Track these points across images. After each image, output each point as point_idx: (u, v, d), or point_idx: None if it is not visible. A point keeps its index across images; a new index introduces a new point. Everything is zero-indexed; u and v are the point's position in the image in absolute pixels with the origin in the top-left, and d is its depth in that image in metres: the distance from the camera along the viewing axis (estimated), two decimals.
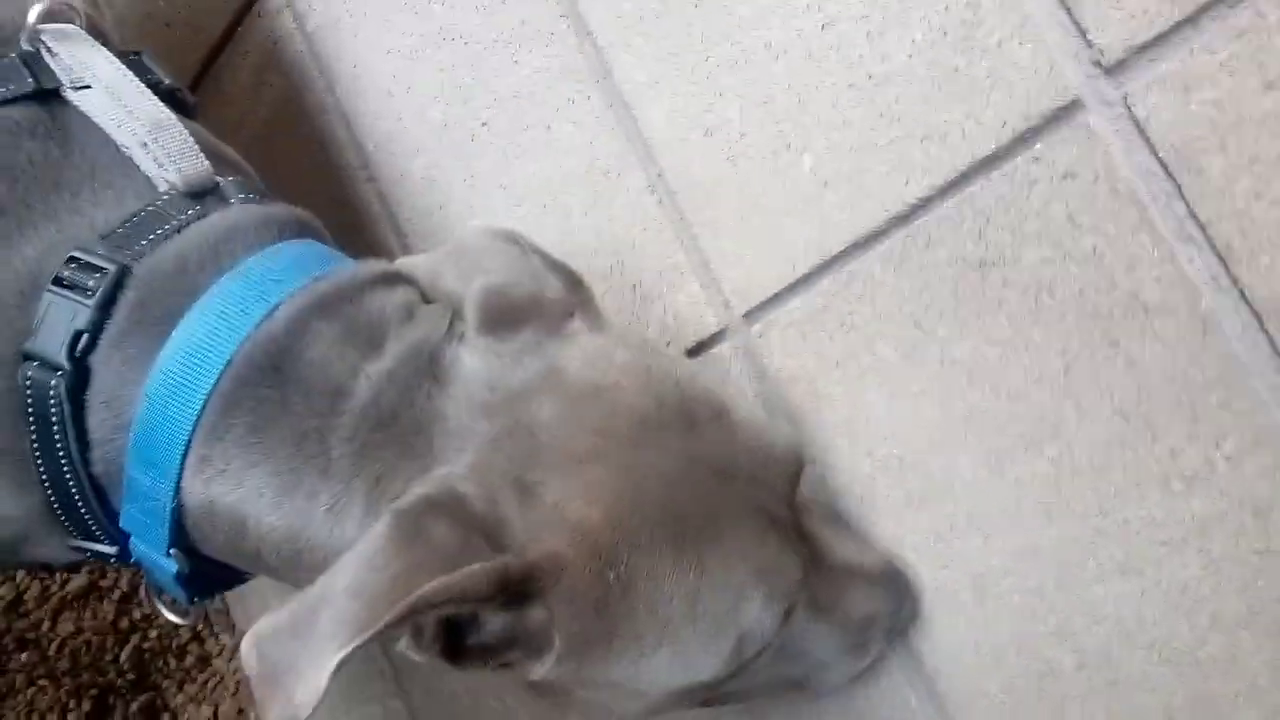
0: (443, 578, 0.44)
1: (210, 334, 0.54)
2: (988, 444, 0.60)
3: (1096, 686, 0.58)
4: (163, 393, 0.53)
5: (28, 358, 0.55)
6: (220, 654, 1.19)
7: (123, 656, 1.14)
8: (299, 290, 0.55)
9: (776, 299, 0.65)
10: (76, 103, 0.61)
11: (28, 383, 0.54)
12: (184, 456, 0.53)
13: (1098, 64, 0.53)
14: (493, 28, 0.78)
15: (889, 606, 0.60)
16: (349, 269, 0.59)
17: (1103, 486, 0.57)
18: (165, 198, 0.59)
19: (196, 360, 0.53)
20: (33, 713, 1.05)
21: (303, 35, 0.96)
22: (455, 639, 0.50)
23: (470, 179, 0.83)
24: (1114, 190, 0.53)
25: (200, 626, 1.20)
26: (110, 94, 0.61)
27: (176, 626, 1.18)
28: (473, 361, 0.53)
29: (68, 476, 0.56)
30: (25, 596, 1.11)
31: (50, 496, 0.57)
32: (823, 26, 0.61)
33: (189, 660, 1.17)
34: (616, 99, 0.71)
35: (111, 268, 0.55)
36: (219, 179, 0.61)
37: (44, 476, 0.57)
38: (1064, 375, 0.57)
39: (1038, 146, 0.55)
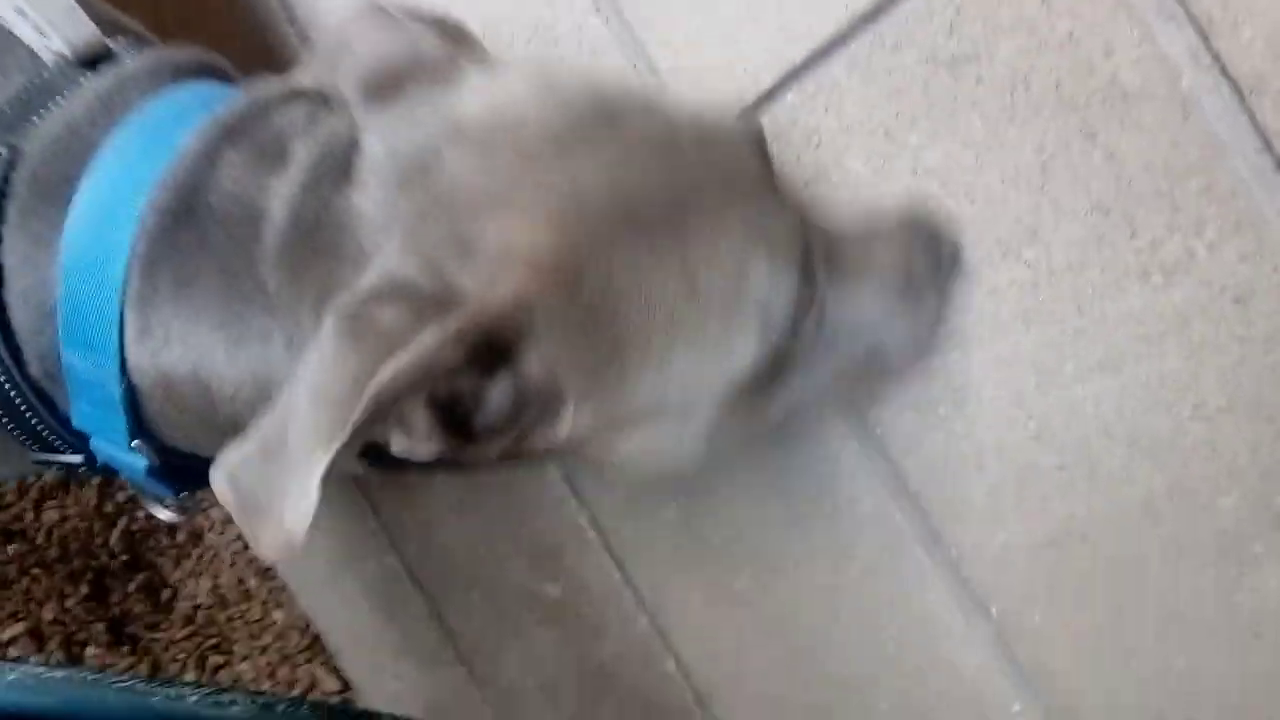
0: (397, 357, 0.40)
1: (114, 189, 0.49)
2: (965, 252, 0.58)
3: (1076, 482, 0.59)
4: (78, 265, 0.49)
5: None
6: (212, 528, 1.19)
7: (112, 540, 1.13)
8: (200, 126, 0.50)
9: (740, 118, 0.62)
10: None
11: None
12: (120, 331, 0.49)
13: None
14: None
15: (925, 248, 0.55)
16: (248, 94, 0.53)
17: (1081, 286, 0.56)
18: (51, 69, 0.53)
19: (105, 221, 0.49)
20: (30, 601, 1.05)
21: None
22: (462, 426, 0.46)
23: None
24: None
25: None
26: None
27: None
28: (371, 143, 0.48)
29: (6, 386, 0.53)
30: (1, 490, 1.10)
31: None
32: None
33: (180, 537, 1.18)
34: None
35: (3, 150, 0.51)
36: (111, 44, 0.55)
37: None
38: (1040, 174, 0.55)
39: None
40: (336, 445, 0.39)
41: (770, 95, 0.60)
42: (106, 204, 0.49)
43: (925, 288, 0.55)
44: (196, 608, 1.12)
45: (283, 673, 1.08)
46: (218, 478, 0.43)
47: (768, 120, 0.61)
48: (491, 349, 0.43)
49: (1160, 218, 0.53)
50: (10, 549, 1.09)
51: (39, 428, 0.55)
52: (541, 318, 0.44)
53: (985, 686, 0.66)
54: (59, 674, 0.45)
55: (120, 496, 1.16)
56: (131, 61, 0.54)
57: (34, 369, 0.52)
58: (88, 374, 0.51)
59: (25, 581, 1.09)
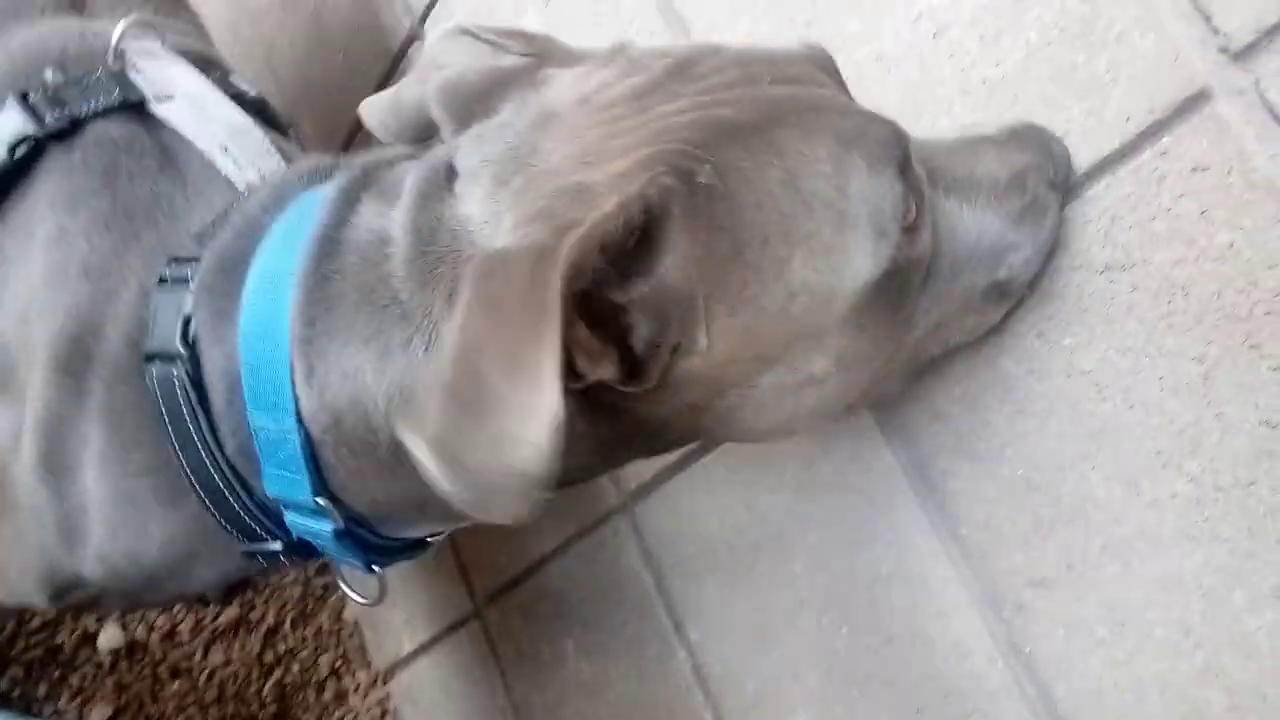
0: (578, 232, 0.40)
1: (277, 256, 0.53)
2: (1122, 462, 0.56)
3: None
4: (253, 328, 0.53)
5: (149, 359, 0.56)
6: (357, 690, 1.22)
7: (265, 689, 1.18)
8: (339, 183, 0.55)
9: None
10: (162, 115, 0.65)
11: (154, 382, 0.55)
12: (291, 379, 0.51)
13: (1225, 50, 0.50)
14: None
15: (1033, 157, 0.54)
16: (376, 154, 0.58)
17: (1250, 505, 0.52)
18: (245, 195, 0.60)
19: (272, 283, 0.53)
20: None
21: None
22: (623, 347, 0.46)
23: None
24: (1249, 181, 0.50)
25: (339, 663, 1.23)
26: (192, 104, 0.64)
27: (316, 660, 1.22)
28: (463, 157, 0.51)
29: (210, 468, 0.56)
30: (180, 628, 1.17)
31: (202, 497, 0.57)
32: (934, 35, 0.60)
33: (327, 695, 1.21)
34: None
35: (202, 255, 0.57)
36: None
37: (192, 477, 0.56)
38: (1203, 383, 0.53)
39: (1164, 140, 0.52)
40: (559, 324, 0.38)
41: None
42: (272, 269, 0.53)
43: (1041, 197, 0.53)
44: None
45: None
46: (418, 448, 0.40)
47: None
48: (639, 230, 0.44)
49: None
50: (175, 685, 1.14)
51: (240, 512, 0.58)
52: (665, 217, 0.44)
53: None
54: None
55: (281, 648, 1.21)
56: (294, 166, 0.62)
57: (230, 447, 0.55)
58: (273, 434, 0.53)
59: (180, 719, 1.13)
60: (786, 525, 0.73)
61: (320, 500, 0.54)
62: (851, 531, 0.69)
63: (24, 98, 0.63)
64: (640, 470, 0.84)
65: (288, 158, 0.65)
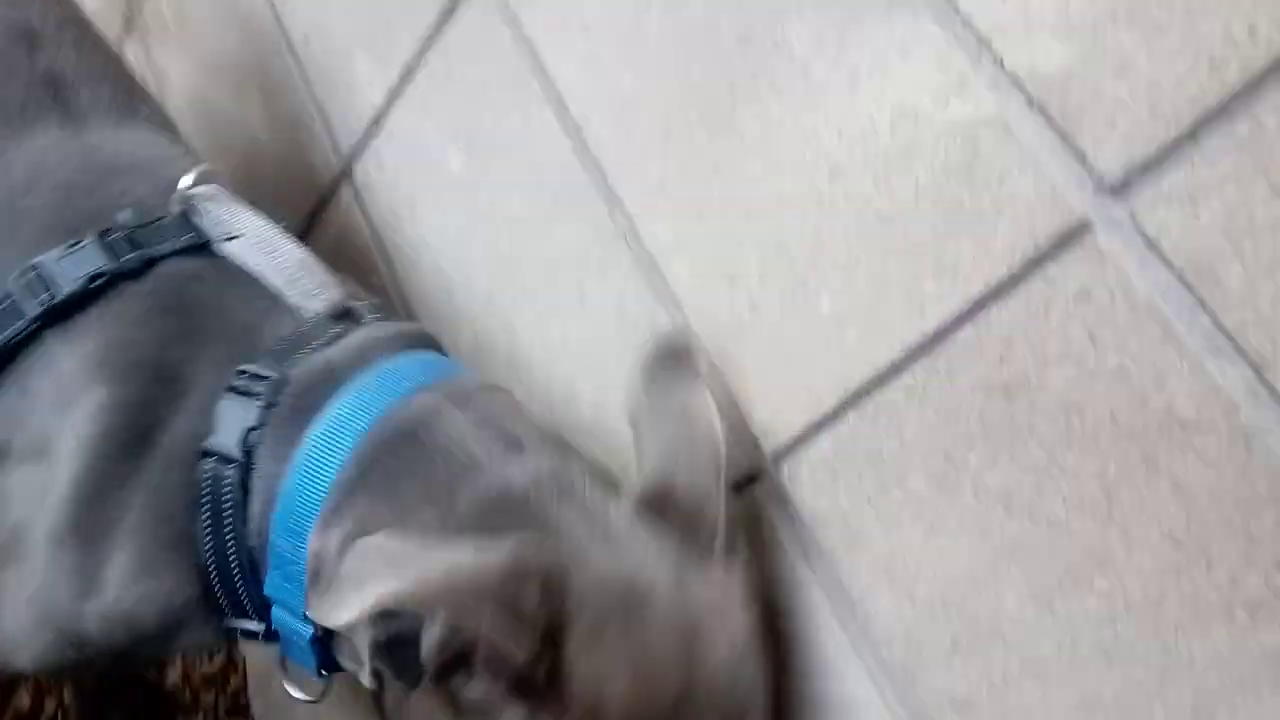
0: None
1: (348, 414, 0.62)
2: (1033, 579, 0.56)
3: None
4: (304, 464, 0.61)
5: (205, 455, 0.64)
6: None
7: None
8: (429, 385, 0.64)
9: (804, 438, 0.64)
10: (229, 252, 0.71)
11: (206, 475, 0.64)
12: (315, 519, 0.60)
13: (1101, 186, 0.53)
14: (530, 203, 0.83)
15: None
16: (467, 375, 0.69)
17: (1161, 621, 0.52)
18: (312, 321, 0.69)
19: (334, 435, 0.62)
20: None
21: (369, 225, 1.04)
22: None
23: (511, 343, 0.86)
24: (1133, 307, 0.52)
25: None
26: (258, 241, 0.72)
27: None
28: (619, 522, 0.58)
29: (231, 557, 0.64)
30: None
31: (214, 578, 0.65)
32: (830, 176, 0.63)
33: None
34: (644, 257, 0.74)
35: (274, 374, 0.65)
36: (353, 304, 0.72)
37: (211, 560, 0.64)
38: (1105, 500, 0.54)
39: (1050, 270, 0.55)
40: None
41: (833, 415, 0.63)
42: (341, 422, 0.62)
43: None
44: None
45: None
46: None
47: (830, 440, 0.63)
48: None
49: (1236, 550, 0.50)
50: None
51: (241, 596, 0.65)
52: None
53: None
54: None
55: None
56: (376, 324, 0.71)
57: (253, 542, 0.64)
58: (287, 552, 0.61)
59: None
60: None
61: (309, 613, 0.59)
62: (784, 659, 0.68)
63: (103, 235, 0.69)
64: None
65: (350, 293, 0.74)
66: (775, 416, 0.66)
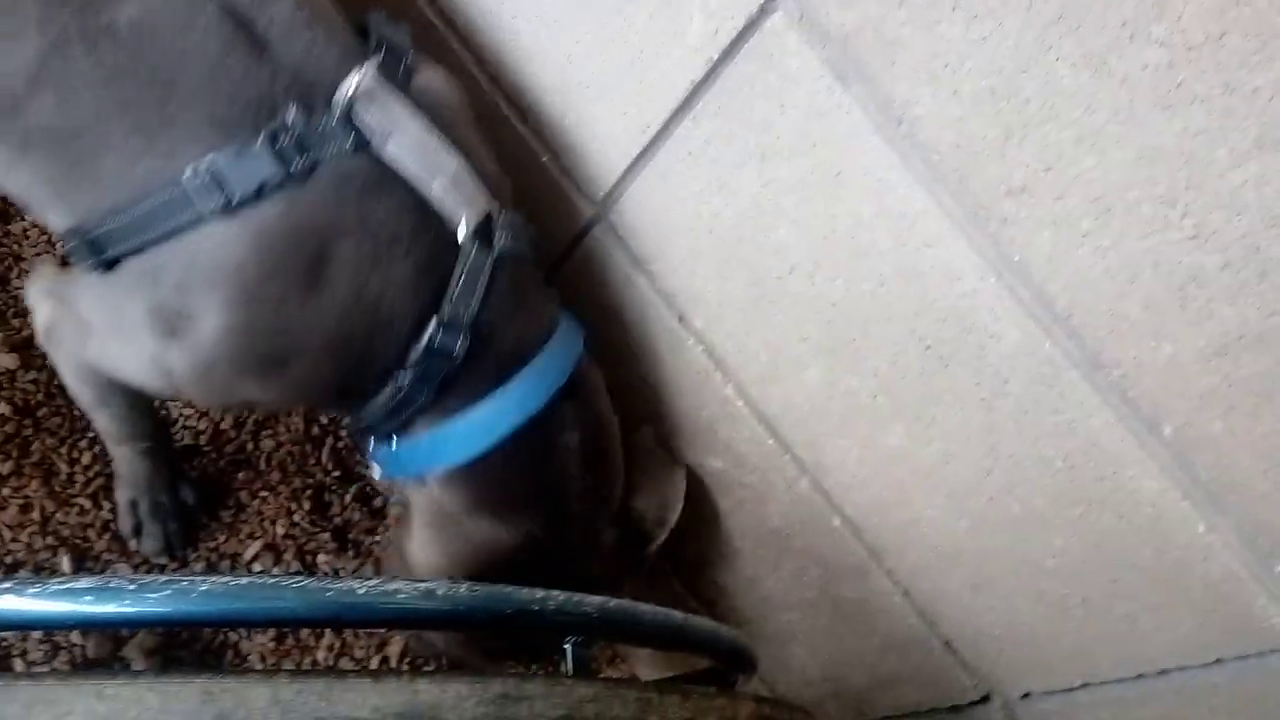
0: None
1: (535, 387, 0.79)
2: (1086, 44, 0.52)
3: (1246, 281, 0.53)
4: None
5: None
6: None
7: (324, 458, 1.24)
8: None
9: None
10: (390, 157, 0.72)
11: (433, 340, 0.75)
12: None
13: None
14: None
15: None
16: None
17: (1224, 58, 0.49)
18: (470, 255, 0.74)
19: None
20: (263, 520, 1.17)
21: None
22: None
23: None
24: None
25: None
26: (416, 147, 0.72)
27: None
28: None
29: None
30: (222, 426, 1.22)
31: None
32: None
33: None
34: None
35: (463, 340, 0.75)
36: (491, 212, 0.76)
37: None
38: None
39: None
40: None
41: None
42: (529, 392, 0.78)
43: None
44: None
45: None
46: None
47: None
48: None
49: None
50: (240, 476, 1.21)
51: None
52: None
53: (1167, 509, 0.62)
54: (244, 581, 0.50)
55: (324, 420, 1.26)
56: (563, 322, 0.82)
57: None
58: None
59: (257, 504, 1.21)
60: (761, 195, 0.71)
61: None
62: (827, 185, 0.67)
63: (273, 140, 0.69)
64: (603, 173, 0.82)
65: (499, 199, 0.77)
66: None
